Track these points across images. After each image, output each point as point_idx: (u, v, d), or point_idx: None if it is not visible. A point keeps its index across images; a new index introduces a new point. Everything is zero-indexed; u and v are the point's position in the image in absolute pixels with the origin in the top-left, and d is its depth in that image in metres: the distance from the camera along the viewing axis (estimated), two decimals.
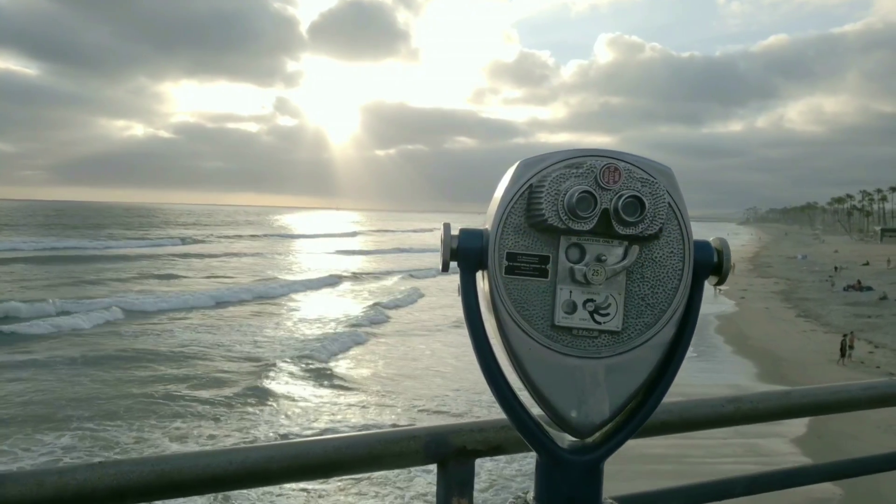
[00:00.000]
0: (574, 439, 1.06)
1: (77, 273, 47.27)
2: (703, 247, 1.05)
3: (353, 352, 25.53)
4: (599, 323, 1.00)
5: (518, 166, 1.02)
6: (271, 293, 40.74)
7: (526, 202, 1.01)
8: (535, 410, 1.08)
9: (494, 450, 1.49)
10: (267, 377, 20.80)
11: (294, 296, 40.67)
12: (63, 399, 17.89)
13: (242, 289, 40.99)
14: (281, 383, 20.44)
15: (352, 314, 33.50)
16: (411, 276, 51.74)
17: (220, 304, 36.00)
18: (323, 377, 21.45)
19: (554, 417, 1.04)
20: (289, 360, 23.01)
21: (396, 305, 36.95)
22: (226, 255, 66.40)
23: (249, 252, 71.57)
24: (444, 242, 1.04)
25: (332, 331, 29.10)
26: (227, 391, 19.17)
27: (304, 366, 22.52)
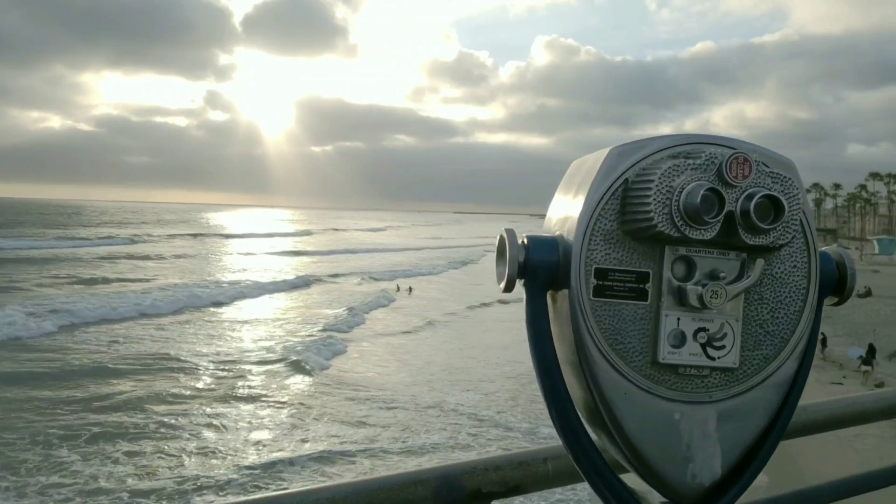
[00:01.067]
0: (665, 500, 0.84)
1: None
2: (824, 259, 0.84)
3: (338, 359, 23.30)
4: (713, 358, 0.78)
5: (609, 155, 0.78)
6: (215, 298, 35.84)
7: (620, 202, 0.77)
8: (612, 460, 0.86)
9: (512, 490, 1.29)
10: (236, 392, 18.87)
11: (242, 302, 36.28)
12: None
13: (184, 294, 35.88)
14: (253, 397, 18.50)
15: (322, 320, 30.22)
16: (372, 278, 47.75)
17: (172, 311, 31.62)
18: (313, 384, 19.84)
19: (651, 480, 0.81)
20: (266, 370, 21.08)
21: (369, 309, 33.68)
22: (165, 256, 60.26)
23: (191, 253, 65.16)
24: (511, 255, 0.79)
25: (309, 338, 26.06)
26: (199, 404, 17.48)
27: (287, 374, 20.70)
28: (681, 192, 0.73)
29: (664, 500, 0.84)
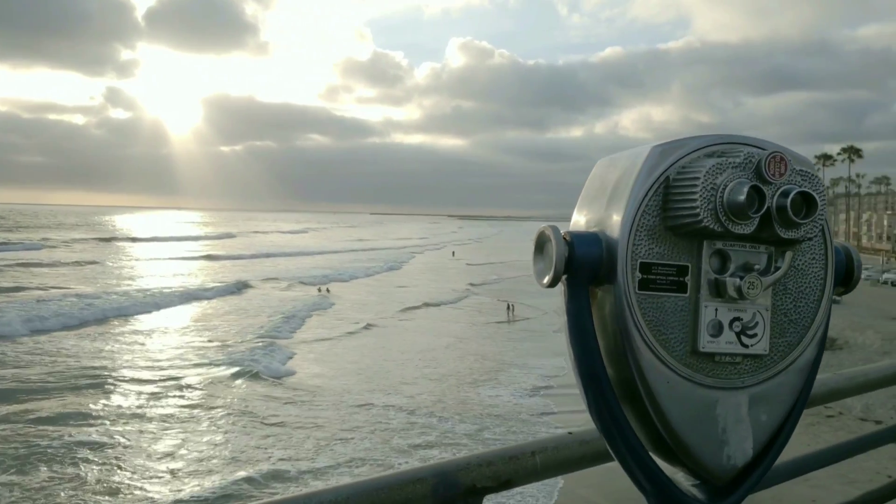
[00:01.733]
0: (696, 482, 0.88)
1: None
2: (836, 252, 0.91)
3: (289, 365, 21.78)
4: (747, 346, 0.83)
5: (651, 153, 0.82)
6: (147, 306, 32.83)
7: (662, 199, 0.81)
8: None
9: (504, 484, 1.33)
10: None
11: (180, 307, 33.63)
12: None
13: (101, 303, 32.29)
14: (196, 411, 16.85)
15: (262, 326, 28.40)
16: (301, 282, 45.38)
17: (96, 321, 28.50)
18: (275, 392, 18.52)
19: (687, 461, 0.85)
20: (208, 380, 19.38)
21: (308, 313, 32.07)
22: (76, 262, 54.34)
23: (98, 258, 58.57)
24: (557, 251, 0.81)
25: (251, 345, 24.31)
26: (113, 423, 15.71)
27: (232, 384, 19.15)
28: (724, 189, 0.77)
29: (694, 481, 0.88)
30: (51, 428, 15.18)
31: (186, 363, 21.82)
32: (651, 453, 0.89)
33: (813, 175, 0.82)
